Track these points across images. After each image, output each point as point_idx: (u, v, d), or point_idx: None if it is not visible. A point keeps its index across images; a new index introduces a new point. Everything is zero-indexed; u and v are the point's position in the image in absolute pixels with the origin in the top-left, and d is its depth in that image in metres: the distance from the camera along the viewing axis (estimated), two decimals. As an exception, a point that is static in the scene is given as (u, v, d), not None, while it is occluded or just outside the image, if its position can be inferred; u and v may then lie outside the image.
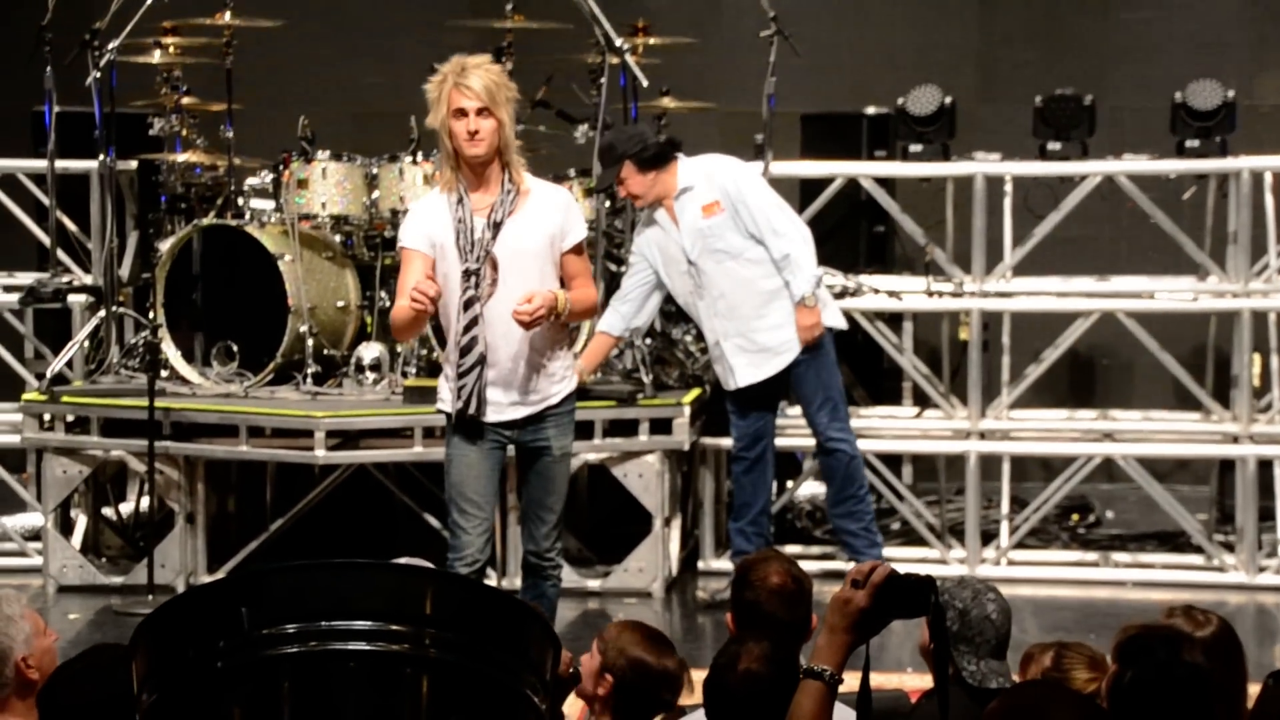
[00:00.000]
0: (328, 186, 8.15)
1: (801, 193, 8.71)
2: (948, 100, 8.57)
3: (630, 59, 8.09)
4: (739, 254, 7.52)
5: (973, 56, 10.39)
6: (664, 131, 8.80)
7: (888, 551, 8.11)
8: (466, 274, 5.76)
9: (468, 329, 5.77)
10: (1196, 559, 8.16)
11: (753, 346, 7.62)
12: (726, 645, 3.94)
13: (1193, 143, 8.53)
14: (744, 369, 7.65)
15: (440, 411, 6.01)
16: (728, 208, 7.50)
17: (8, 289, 8.90)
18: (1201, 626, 4.16)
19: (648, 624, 4.66)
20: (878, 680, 3.55)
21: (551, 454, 5.95)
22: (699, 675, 4.05)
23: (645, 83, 8.07)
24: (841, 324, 7.76)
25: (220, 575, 8.11)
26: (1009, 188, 8.61)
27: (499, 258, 5.75)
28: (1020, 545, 8.39)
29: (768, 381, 7.69)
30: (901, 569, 3.37)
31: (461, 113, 5.73)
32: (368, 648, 3.16)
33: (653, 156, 7.48)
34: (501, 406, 5.84)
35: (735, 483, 7.91)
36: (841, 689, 3.41)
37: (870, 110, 8.36)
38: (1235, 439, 8.37)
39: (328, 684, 3.16)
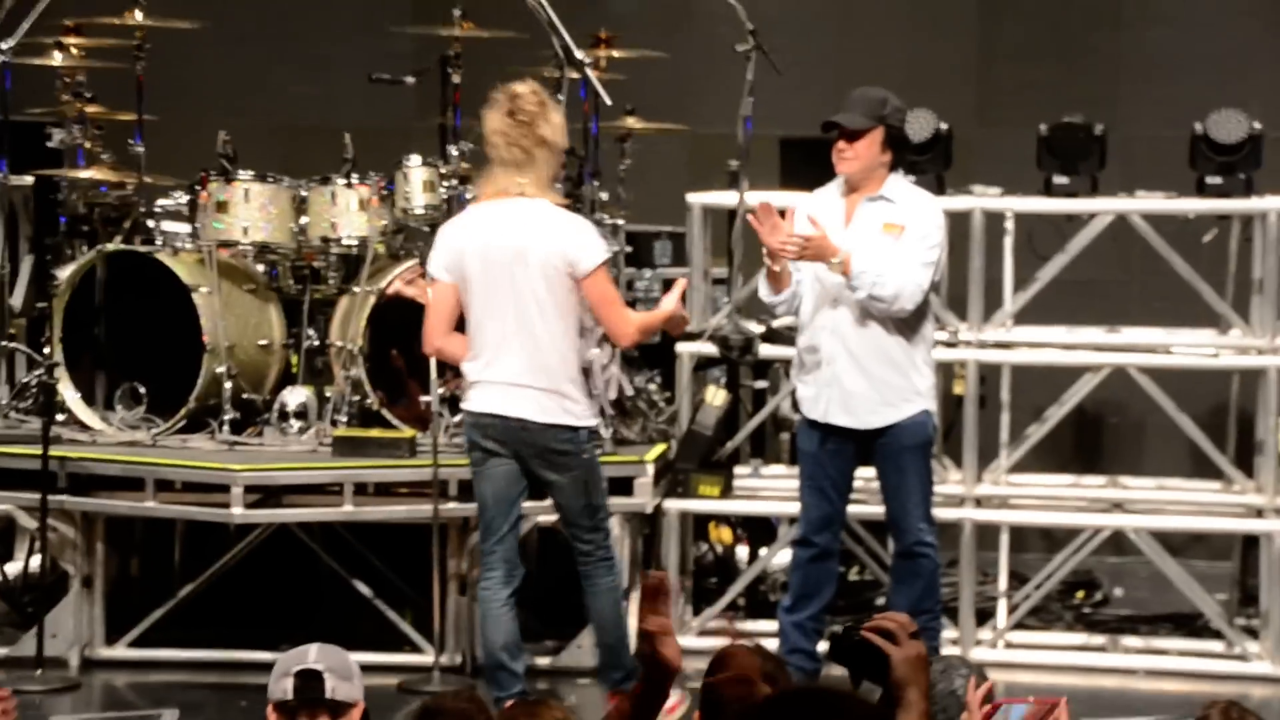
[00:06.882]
0: (250, 210, 8.22)
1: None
2: (943, 126, 8.62)
3: (592, 74, 8.31)
4: None
5: (971, 76, 10.65)
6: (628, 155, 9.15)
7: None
8: None
9: None
10: (1216, 645, 8.17)
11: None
12: None
13: (1214, 179, 8.56)
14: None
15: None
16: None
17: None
18: None
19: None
20: None
21: None
22: None
23: (609, 101, 8.29)
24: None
25: (120, 647, 8.27)
26: (1010, 225, 8.70)
27: None
28: (1019, 626, 8.47)
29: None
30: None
31: None
32: None
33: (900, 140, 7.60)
34: None
35: (799, 569, 7.75)
36: None
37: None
38: (1260, 512, 8.38)
39: None
